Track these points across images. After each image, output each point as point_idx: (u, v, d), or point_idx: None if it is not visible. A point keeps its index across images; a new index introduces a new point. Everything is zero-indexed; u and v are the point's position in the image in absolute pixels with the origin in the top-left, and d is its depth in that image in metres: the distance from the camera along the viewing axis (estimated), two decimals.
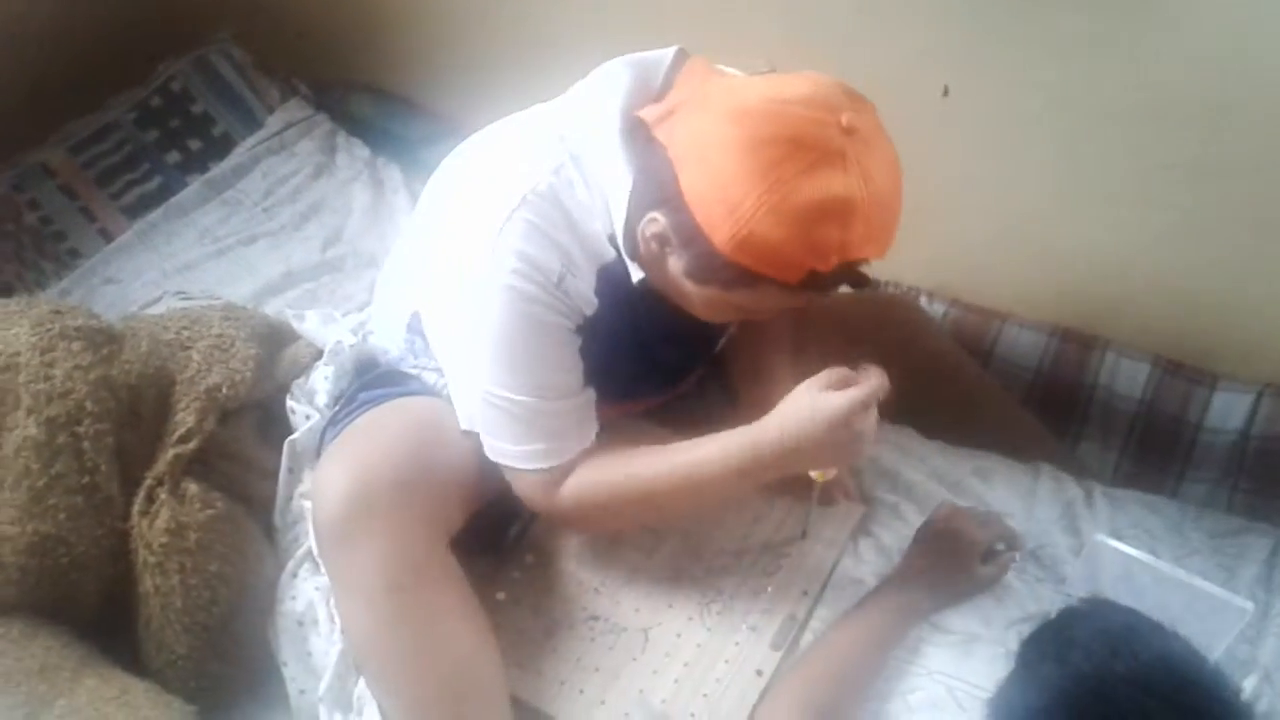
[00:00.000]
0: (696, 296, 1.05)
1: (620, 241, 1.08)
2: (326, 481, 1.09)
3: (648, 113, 1.05)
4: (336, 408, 1.27)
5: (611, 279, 1.11)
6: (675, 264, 1.03)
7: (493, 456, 1.14)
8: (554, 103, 1.17)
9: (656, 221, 1.02)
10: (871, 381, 1.04)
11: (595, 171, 1.08)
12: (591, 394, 1.15)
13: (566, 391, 1.12)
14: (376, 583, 1.06)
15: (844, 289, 1.04)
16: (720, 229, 0.95)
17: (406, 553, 1.07)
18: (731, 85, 1.01)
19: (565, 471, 1.12)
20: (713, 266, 0.99)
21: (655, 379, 1.32)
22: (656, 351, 1.24)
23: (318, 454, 1.26)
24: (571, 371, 1.12)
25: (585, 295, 1.10)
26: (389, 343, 1.33)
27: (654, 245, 1.03)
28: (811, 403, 1.03)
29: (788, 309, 1.17)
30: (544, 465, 1.11)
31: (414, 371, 1.27)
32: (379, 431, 1.15)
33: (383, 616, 1.06)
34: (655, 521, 1.27)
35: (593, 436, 1.14)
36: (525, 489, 1.14)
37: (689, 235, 0.99)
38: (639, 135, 1.05)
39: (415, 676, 1.07)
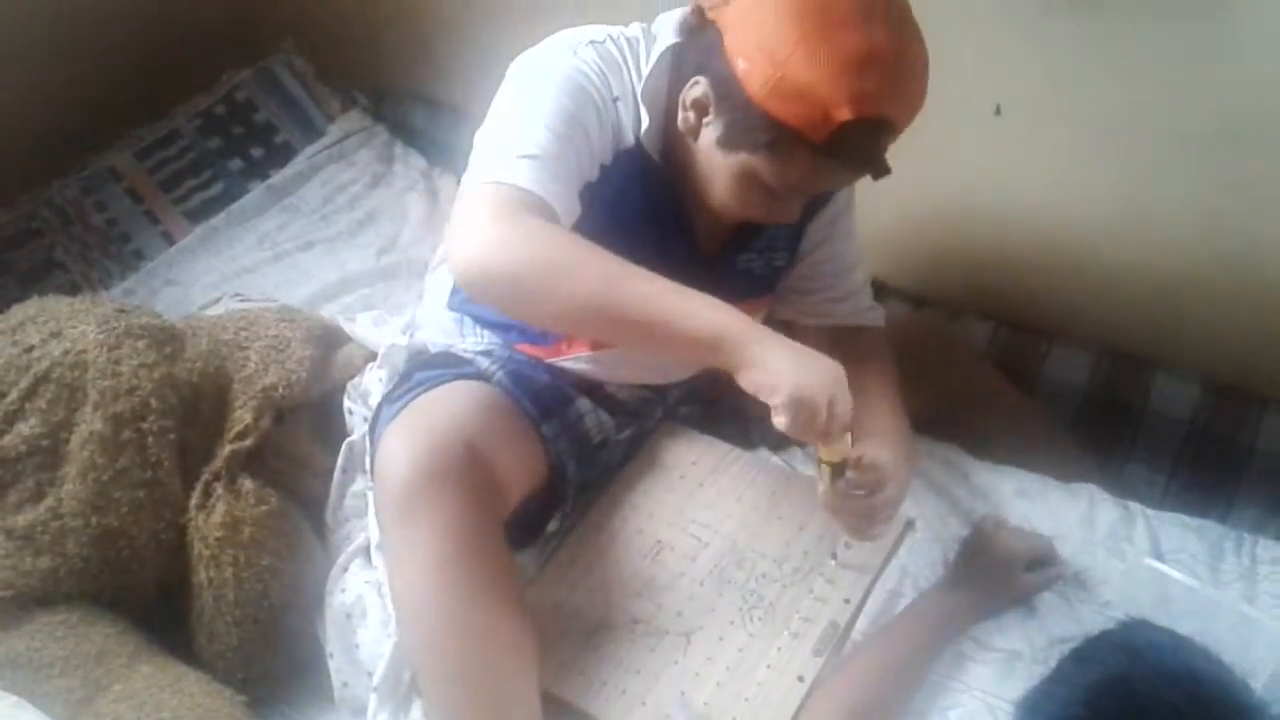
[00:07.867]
0: (724, 171, 1.10)
1: (639, 94, 1.14)
2: (393, 451, 1.10)
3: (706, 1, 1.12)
4: (391, 386, 1.28)
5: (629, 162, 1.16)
6: (709, 134, 1.09)
7: (476, 172, 1.08)
8: None
9: (698, 84, 1.08)
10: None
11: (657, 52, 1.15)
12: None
13: (578, 157, 1.10)
14: (434, 552, 1.06)
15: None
16: (755, 76, 1.02)
17: (466, 526, 1.08)
18: None
19: (528, 208, 1.04)
20: (745, 125, 1.05)
21: None
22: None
23: (372, 440, 1.27)
24: (584, 157, 1.11)
25: (622, 131, 1.15)
26: (436, 332, 1.35)
27: (692, 115, 1.10)
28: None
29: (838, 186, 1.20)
30: (522, 183, 1.04)
31: (468, 356, 1.28)
32: (445, 407, 1.16)
33: (437, 585, 1.07)
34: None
35: (565, 215, 1.08)
36: (482, 200, 1.05)
37: (726, 91, 1.05)
38: (695, 19, 1.13)
39: (459, 649, 1.07)
